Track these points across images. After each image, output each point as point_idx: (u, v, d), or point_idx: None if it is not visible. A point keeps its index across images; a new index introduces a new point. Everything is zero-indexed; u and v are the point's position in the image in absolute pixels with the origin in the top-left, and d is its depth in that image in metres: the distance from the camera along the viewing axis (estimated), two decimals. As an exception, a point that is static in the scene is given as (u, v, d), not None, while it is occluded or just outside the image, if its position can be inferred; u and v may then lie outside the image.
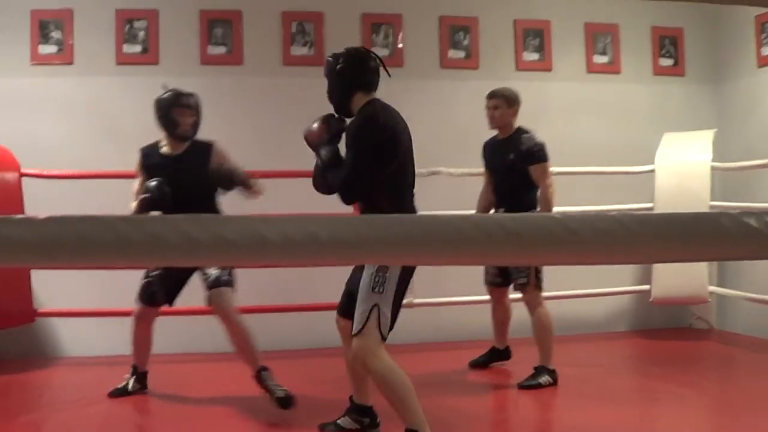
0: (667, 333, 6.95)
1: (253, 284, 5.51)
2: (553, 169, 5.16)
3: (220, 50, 6.58)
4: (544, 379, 5.04)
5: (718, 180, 6.96)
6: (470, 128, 6.57)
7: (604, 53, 7.26)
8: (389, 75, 3.81)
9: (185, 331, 6.08)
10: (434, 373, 5.50)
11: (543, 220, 1.40)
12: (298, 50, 6.68)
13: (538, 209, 5.09)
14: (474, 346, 5.87)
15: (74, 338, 6.22)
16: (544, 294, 5.19)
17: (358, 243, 1.38)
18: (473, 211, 5.46)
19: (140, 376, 4.95)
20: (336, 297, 4.05)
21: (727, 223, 1.38)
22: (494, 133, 5.34)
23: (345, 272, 3.86)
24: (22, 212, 5.54)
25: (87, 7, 6.36)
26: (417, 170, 3.85)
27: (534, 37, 7.11)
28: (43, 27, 6.30)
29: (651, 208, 6.81)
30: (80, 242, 1.43)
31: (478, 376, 5.48)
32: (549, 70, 7.13)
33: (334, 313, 4.04)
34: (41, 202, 5.60)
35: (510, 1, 7.15)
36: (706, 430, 4.48)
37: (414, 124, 3.84)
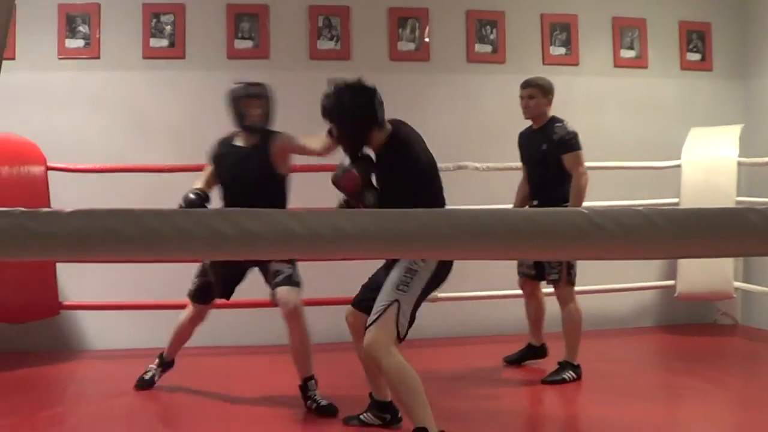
0: (692, 328, 6.90)
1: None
2: (581, 162, 5.13)
3: (247, 44, 6.58)
4: (569, 374, 5.03)
5: (744, 175, 6.89)
6: (497, 123, 6.57)
7: (631, 48, 7.21)
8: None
9: (221, 326, 6.05)
10: (464, 368, 5.51)
11: (569, 215, 1.40)
12: (325, 44, 6.68)
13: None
14: (507, 340, 5.86)
15: (99, 331, 6.25)
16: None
17: (384, 237, 1.39)
18: (499, 206, 5.44)
19: (166, 366, 4.96)
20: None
21: (753, 219, 1.37)
22: (528, 123, 5.30)
23: (371, 265, 3.87)
24: (48, 206, 5.56)
25: (114, 1, 6.38)
26: (443, 164, 3.86)
27: (561, 32, 7.07)
28: (71, 21, 6.34)
29: (677, 204, 6.77)
30: (107, 236, 1.44)
31: (509, 372, 5.45)
32: (576, 64, 7.08)
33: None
34: (67, 197, 5.61)
35: (536, -5, 7.12)
36: (731, 426, 4.46)
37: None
